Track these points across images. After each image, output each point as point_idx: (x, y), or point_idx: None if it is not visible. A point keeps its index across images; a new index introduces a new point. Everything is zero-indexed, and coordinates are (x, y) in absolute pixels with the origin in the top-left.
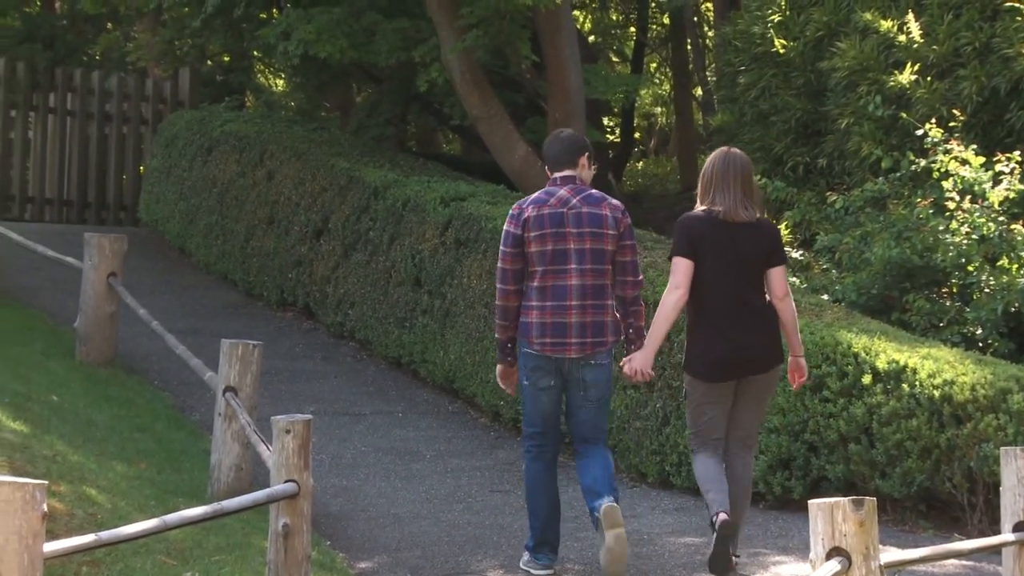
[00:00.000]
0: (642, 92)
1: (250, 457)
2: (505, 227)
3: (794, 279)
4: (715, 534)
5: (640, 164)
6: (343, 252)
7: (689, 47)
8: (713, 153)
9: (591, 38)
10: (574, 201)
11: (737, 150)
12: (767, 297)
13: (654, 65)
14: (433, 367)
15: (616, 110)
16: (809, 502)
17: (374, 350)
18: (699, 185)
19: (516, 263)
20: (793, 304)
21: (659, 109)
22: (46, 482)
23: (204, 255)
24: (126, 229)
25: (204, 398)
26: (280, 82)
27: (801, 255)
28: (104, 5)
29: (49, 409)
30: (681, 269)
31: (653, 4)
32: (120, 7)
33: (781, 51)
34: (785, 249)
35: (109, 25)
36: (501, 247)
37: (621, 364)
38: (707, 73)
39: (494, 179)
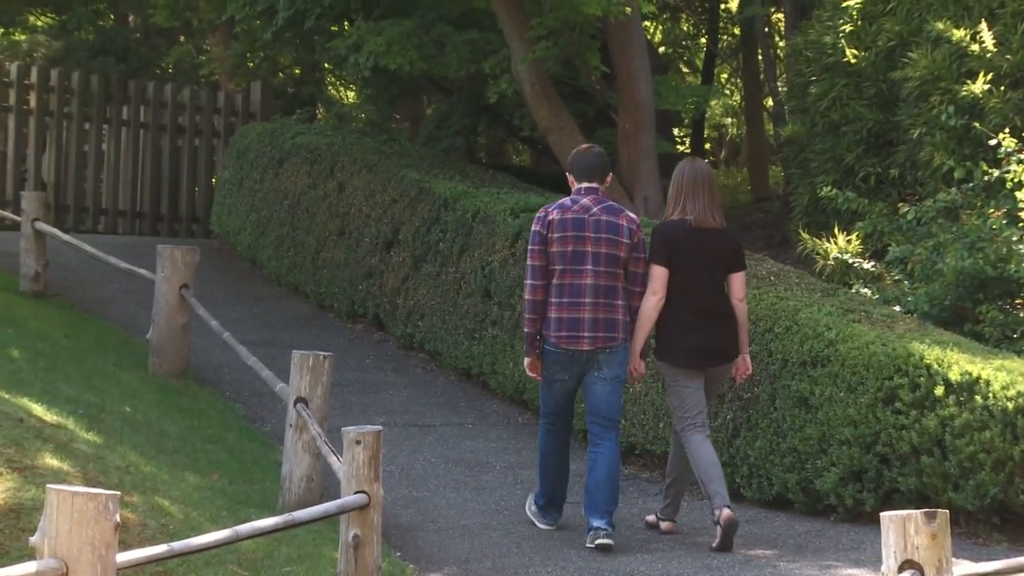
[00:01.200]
0: (712, 103)
1: (321, 468)
2: (533, 227)
3: (866, 290)
4: (721, 528)
5: None
6: (413, 264)
7: (760, 58)
8: (679, 164)
9: (661, 49)
10: (595, 209)
11: (701, 160)
12: (727, 297)
13: (724, 76)
14: (503, 378)
15: (686, 121)
16: (881, 514)
17: (444, 361)
18: (670, 194)
19: (542, 260)
20: (746, 307)
21: (729, 120)
22: (119, 493)
23: (275, 267)
24: (198, 241)
25: (275, 409)
26: (351, 94)
27: (873, 266)
28: (177, 18)
29: (122, 420)
30: (658, 276)
31: (724, 15)
32: (193, 20)
33: (852, 61)
34: (746, 256)
35: (182, 38)
36: (529, 246)
37: None
38: (778, 83)
39: (563, 190)
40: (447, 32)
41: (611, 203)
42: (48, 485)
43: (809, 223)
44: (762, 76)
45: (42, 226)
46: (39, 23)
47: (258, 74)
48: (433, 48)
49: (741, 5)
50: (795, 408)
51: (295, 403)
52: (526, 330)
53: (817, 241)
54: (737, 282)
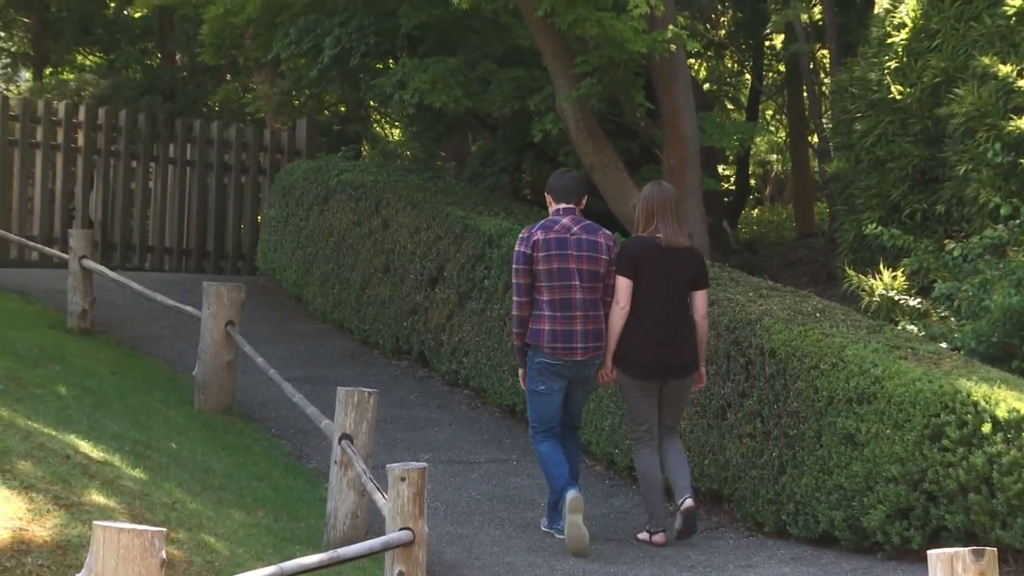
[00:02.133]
0: (757, 139)
1: (366, 505)
2: (516, 248)
3: (912, 327)
4: (682, 517)
5: (755, 211)
6: (458, 300)
7: (805, 94)
8: (647, 187)
9: (706, 86)
10: (575, 229)
11: (666, 184)
12: (690, 313)
13: (770, 112)
14: None
15: (731, 158)
16: (928, 552)
17: (488, 398)
18: (641, 214)
19: (527, 278)
20: (707, 324)
21: (775, 156)
22: (165, 529)
23: (321, 303)
24: (244, 278)
25: (320, 446)
26: (396, 131)
27: (919, 303)
28: (223, 57)
29: (168, 457)
30: (624, 288)
31: (769, 51)
32: (239, 59)
33: (898, 97)
34: (709, 275)
35: (228, 76)
36: (514, 265)
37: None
38: (823, 120)
39: (608, 227)
40: (492, 69)
41: (588, 222)
42: (94, 522)
43: (855, 259)
44: (807, 113)
45: (89, 263)
46: (87, 62)
47: (304, 112)
48: (478, 85)
49: (786, 42)
50: (841, 445)
51: (340, 440)
52: (516, 344)
53: (863, 278)
54: (700, 299)
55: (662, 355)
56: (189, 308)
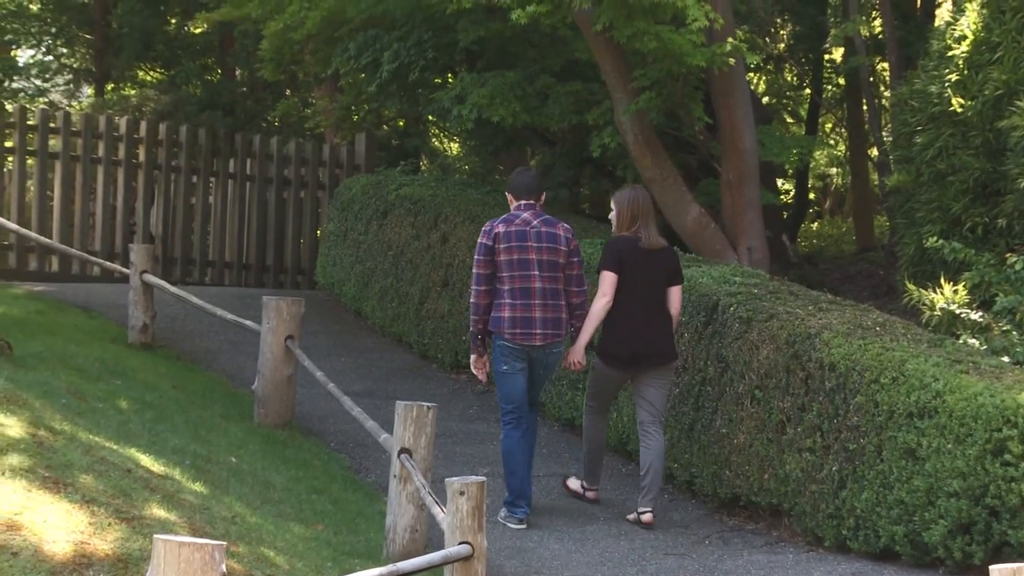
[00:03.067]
0: (816, 153)
1: (425, 518)
2: (479, 240)
3: (973, 341)
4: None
5: (815, 225)
6: None
7: (865, 107)
8: (625, 191)
9: (765, 99)
10: (535, 222)
11: (641, 188)
12: (667, 307)
13: (829, 126)
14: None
15: (790, 171)
16: (991, 568)
17: (547, 412)
18: (623, 216)
19: (487, 269)
20: (680, 317)
21: (834, 170)
22: (225, 543)
23: (379, 317)
24: (303, 292)
25: (380, 460)
26: (454, 146)
27: (980, 317)
28: (283, 72)
29: (228, 471)
30: (609, 281)
31: (828, 65)
32: (299, 74)
33: (959, 110)
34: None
35: (288, 92)
36: (475, 256)
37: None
38: (883, 133)
39: (667, 240)
40: (550, 83)
41: (547, 216)
42: (155, 535)
43: (915, 273)
44: (867, 126)
45: (150, 278)
46: (148, 78)
47: (363, 126)
48: (536, 100)
49: (846, 55)
50: (902, 460)
51: (399, 454)
52: (472, 330)
53: (923, 292)
54: (676, 294)
55: (642, 347)
56: (249, 322)
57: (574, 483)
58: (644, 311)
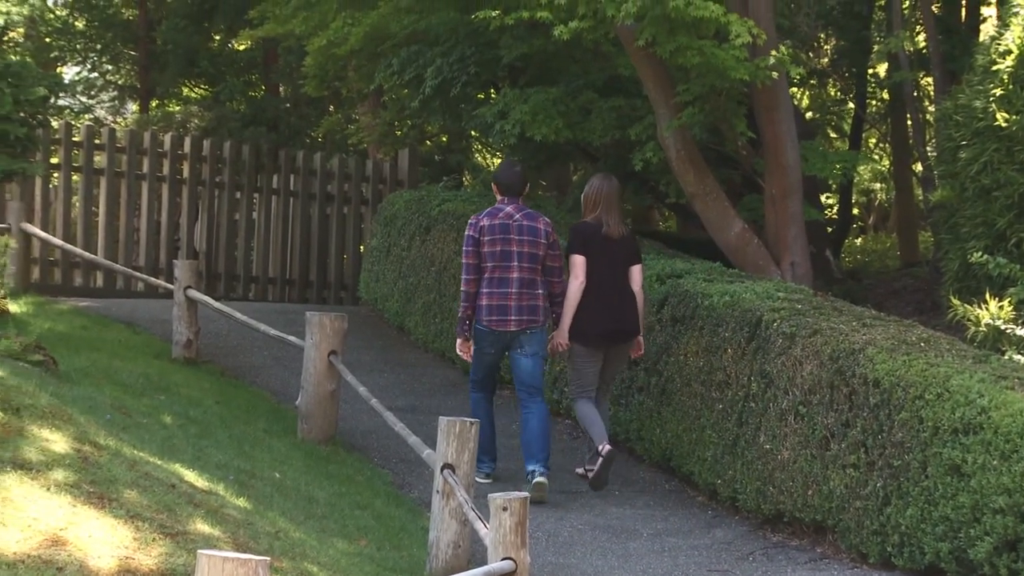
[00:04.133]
0: (860, 168)
1: (468, 534)
2: (466, 232)
3: (1019, 357)
4: (601, 459)
5: (859, 240)
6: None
7: (909, 122)
8: (594, 179)
9: (808, 114)
10: (517, 216)
11: (612, 176)
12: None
13: (873, 141)
14: (649, 445)
15: (834, 186)
16: None
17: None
18: (588, 201)
19: (475, 259)
20: (643, 294)
21: (878, 185)
22: (268, 559)
23: (422, 333)
24: (346, 308)
25: (422, 475)
26: (497, 161)
27: None
28: (326, 88)
29: (272, 486)
30: (579, 264)
31: (872, 79)
32: (342, 90)
33: (1003, 125)
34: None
35: (331, 108)
36: (464, 247)
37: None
38: (927, 148)
39: (710, 256)
40: (593, 99)
41: (529, 210)
42: (199, 551)
43: (960, 289)
44: (911, 141)
45: (194, 294)
46: (192, 94)
47: (406, 142)
48: (579, 115)
49: (890, 70)
50: (947, 476)
51: (442, 469)
52: (460, 315)
53: (968, 307)
54: (636, 273)
55: (612, 324)
56: (292, 338)
57: (580, 471)
58: (611, 290)
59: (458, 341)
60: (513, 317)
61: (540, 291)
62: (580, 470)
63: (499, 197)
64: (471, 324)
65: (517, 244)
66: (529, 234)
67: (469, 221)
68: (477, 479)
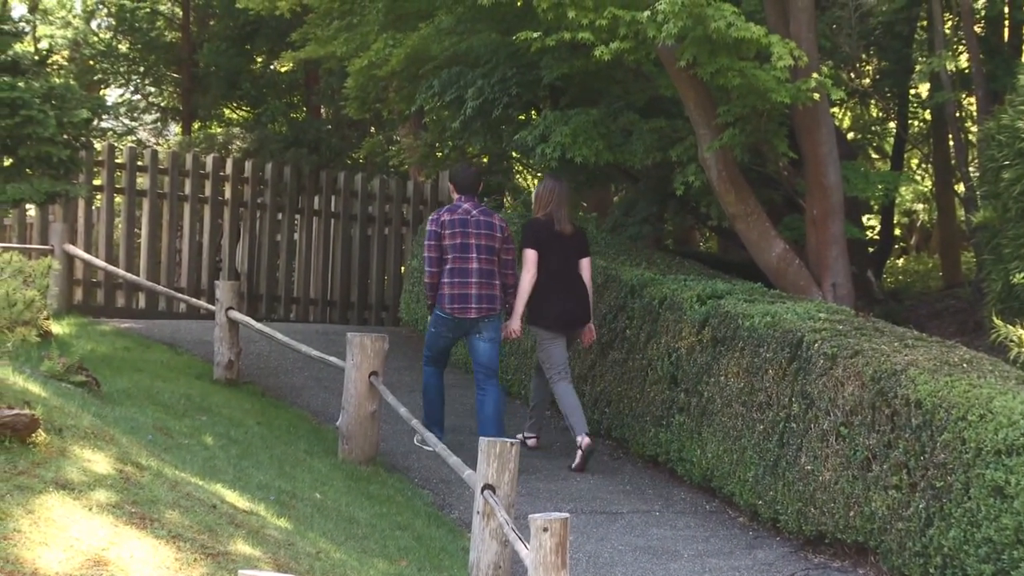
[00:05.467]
0: (902, 189)
1: (508, 555)
2: (428, 227)
3: None
4: (580, 452)
5: (901, 261)
6: (600, 350)
7: (951, 143)
8: (546, 180)
9: (850, 135)
10: (474, 212)
11: (560, 178)
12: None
13: (915, 161)
14: (690, 465)
15: (876, 207)
16: None
17: (630, 448)
18: (539, 200)
19: (437, 252)
20: (591, 285)
21: (920, 206)
22: None
23: (462, 354)
24: (387, 328)
25: (463, 496)
26: (537, 182)
27: None
28: (368, 110)
29: (312, 507)
30: (532, 258)
31: (914, 100)
32: (383, 112)
33: None
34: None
35: (372, 129)
36: (426, 241)
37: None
38: (969, 169)
39: (751, 277)
40: (634, 120)
41: (484, 207)
42: (240, 571)
43: (1003, 310)
44: (953, 161)
45: (235, 315)
46: (234, 116)
47: (447, 163)
48: (619, 136)
49: (932, 90)
50: (990, 497)
51: (482, 490)
52: (428, 303)
53: (1011, 328)
54: (585, 266)
55: (567, 311)
56: (333, 359)
57: (520, 436)
58: (564, 281)
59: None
60: (474, 305)
61: (497, 281)
62: (520, 436)
63: (455, 196)
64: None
65: (475, 237)
66: (486, 228)
67: (430, 217)
68: (432, 447)
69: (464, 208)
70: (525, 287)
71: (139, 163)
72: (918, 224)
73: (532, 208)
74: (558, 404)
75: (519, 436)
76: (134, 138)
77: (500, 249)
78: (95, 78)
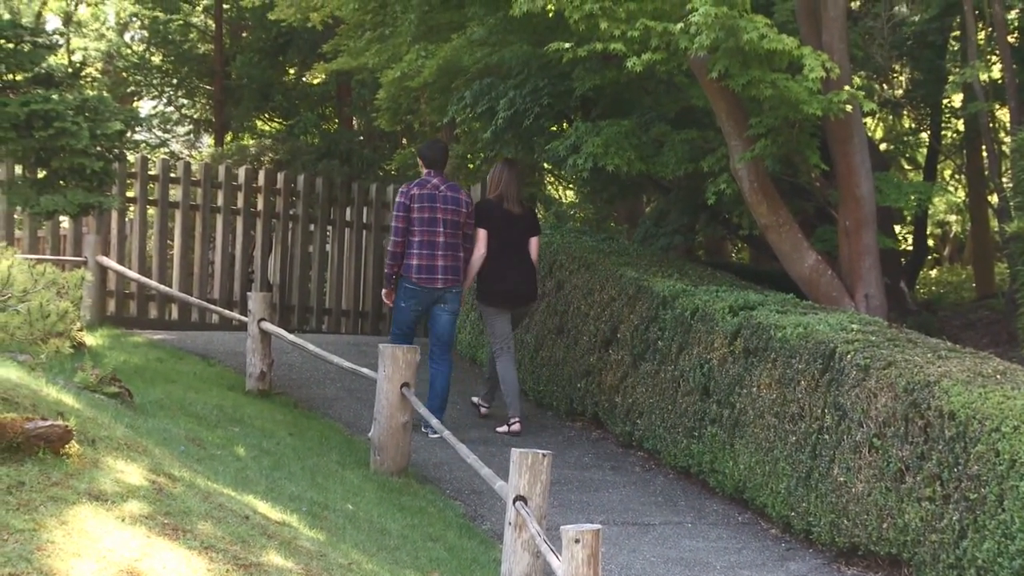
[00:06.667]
0: (935, 200)
1: (540, 567)
2: (398, 199)
3: None
4: (508, 430)
5: (934, 272)
6: (632, 362)
7: (984, 153)
8: (497, 165)
9: (883, 145)
10: (442, 188)
11: (514, 162)
12: (530, 256)
13: (948, 172)
14: (722, 477)
15: (908, 218)
16: None
17: (662, 460)
18: (492, 183)
19: (405, 224)
20: (538, 262)
21: (953, 217)
22: None
23: (469, 344)
24: (419, 340)
25: (495, 507)
26: (569, 193)
27: None
28: (399, 122)
29: (344, 518)
30: (482, 236)
31: (947, 110)
32: (414, 124)
33: None
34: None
35: (404, 141)
36: (395, 212)
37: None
38: (1003, 179)
39: (783, 288)
40: (665, 131)
41: (452, 183)
42: None
43: None
44: (987, 172)
45: (268, 326)
46: (267, 128)
47: (479, 174)
48: (651, 147)
49: (965, 101)
50: None
51: (514, 501)
52: (386, 272)
53: None
54: (533, 244)
55: (514, 286)
56: (365, 370)
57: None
58: (511, 259)
59: (384, 291)
60: (440, 276)
61: (461, 254)
62: (475, 399)
63: (424, 171)
64: (395, 279)
65: (442, 212)
66: (452, 204)
67: (400, 190)
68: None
69: (433, 183)
70: (475, 262)
71: (172, 175)
72: (951, 235)
73: (487, 190)
74: (499, 378)
75: (473, 399)
76: (167, 150)
77: (464, 224)
78: (128, 90)
